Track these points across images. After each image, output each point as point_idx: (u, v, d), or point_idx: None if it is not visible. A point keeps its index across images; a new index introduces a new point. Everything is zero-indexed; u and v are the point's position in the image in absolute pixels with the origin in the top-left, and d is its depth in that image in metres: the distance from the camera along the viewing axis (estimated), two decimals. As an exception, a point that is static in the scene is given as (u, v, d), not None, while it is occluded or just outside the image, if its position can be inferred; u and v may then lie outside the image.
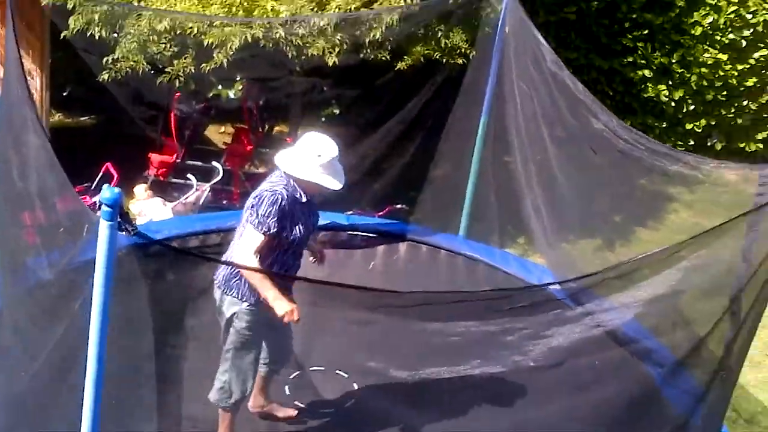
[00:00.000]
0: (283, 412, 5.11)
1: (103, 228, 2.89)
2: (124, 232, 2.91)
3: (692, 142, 10.44)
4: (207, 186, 8.11)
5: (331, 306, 4.27)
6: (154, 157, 8.60)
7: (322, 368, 5.41)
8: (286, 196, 4.47)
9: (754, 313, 4.14)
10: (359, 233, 7.18)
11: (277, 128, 10.41)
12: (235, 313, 4.56)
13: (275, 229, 4.43)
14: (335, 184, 4.55)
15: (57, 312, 3.77)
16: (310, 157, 4.50)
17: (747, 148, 10.68)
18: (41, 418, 4.04)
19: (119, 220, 2.89)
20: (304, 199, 4.58)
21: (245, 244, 4.45)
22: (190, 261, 6.14)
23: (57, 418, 3.93)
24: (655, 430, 5.03)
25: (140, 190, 7.85)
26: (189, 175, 8.16)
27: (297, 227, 4.55)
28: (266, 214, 4.41)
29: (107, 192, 2.88)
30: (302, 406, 5.14)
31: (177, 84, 6.92)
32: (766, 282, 4.12)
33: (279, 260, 4.58)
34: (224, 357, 4.67)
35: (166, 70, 6.88)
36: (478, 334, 4.32)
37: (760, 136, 10.69)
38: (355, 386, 5.34)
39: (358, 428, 5.15)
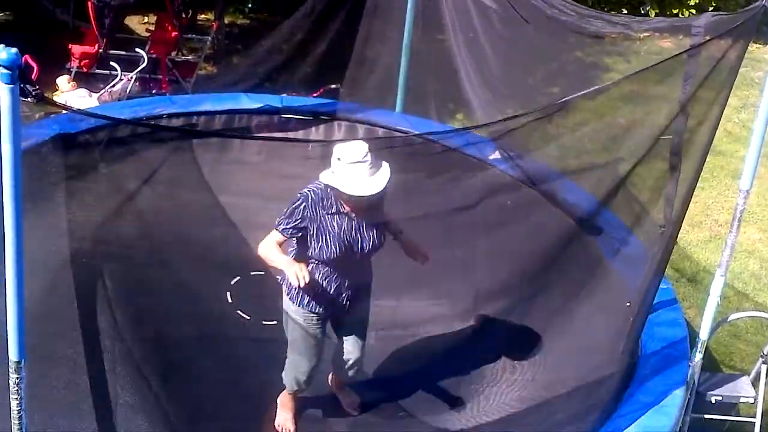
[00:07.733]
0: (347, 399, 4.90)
1: (3, 92, 2.42)
2: (29, 98, 2.51)
3: (626, 12, 10.31)
4: (132, 74, 7.85)
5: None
6: (76, 49, 8.30)
7: (262, 272, 5.17)
8: (309, 199, 4.12)
9: (694, 161, 4.13)
10: (295, 115, 6.99)
11: (203, 16, 10.07)
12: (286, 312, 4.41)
13: (290, 231, 4.14)
14: (354, 189, 3.98)
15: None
16: (333, 162, 4.04)
17: (680, 15, 10.61)
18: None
19: (22, 85, 2.46)
20: (341, 210, 4.14)
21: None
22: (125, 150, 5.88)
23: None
24: (578, 271, 4.97)
25: (63, 81, 7.54)
26: (113, 64, 7.84)
27: (327, 241, 4.13)
28: (284, 213, 4.14)
29: (3, 53, 2.39)
30: (246, 317, 4.96)
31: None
32: (699, 130, 4.11)
33: (317, 275, 4.22)
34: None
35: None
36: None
37: (692, 2, 10.64)
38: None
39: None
